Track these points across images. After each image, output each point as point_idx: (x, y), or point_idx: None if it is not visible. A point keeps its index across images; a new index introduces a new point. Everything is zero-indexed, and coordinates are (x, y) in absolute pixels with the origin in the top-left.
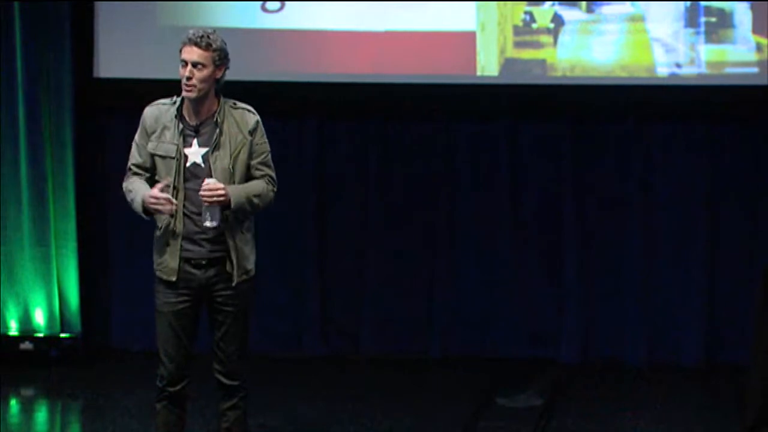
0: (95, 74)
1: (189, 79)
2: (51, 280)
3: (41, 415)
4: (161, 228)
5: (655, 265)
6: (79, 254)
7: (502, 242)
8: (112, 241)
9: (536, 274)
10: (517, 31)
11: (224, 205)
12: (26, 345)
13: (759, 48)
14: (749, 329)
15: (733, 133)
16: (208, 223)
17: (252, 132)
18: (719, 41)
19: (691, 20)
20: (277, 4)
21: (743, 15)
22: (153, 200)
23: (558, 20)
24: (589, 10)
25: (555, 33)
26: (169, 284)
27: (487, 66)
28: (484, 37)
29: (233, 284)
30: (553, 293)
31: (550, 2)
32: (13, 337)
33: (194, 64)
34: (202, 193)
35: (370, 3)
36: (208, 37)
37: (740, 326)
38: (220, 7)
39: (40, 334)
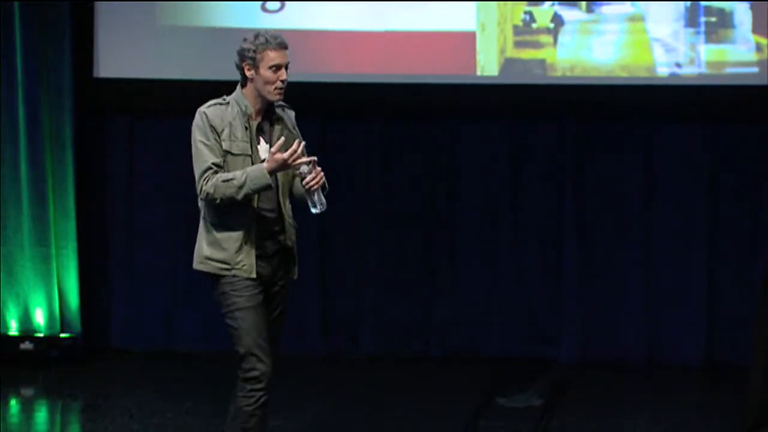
0: (95, 74)
1: (283, 82)
2: (51, 280)
3: (41, 415)
4: (236, 227)
5: (655, 264)
6: (79, 254)
7: (502, 242)
8: (112, 241)
9: (536, 273)
10: (517, 31)
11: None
12: (26, 345)
13: (759, 48)
14: (749, 329)
15: (733, 133)
16: (318, 209)
17: (295, 126)
18: (719, 41)
19: (691, 20)
20: (277, 4)
21: (743, 15)
22: (284, 156)
23: (558, 20)
24: (589, 10)
25: (555, 33)
26: (247, 281)
27: (487, 66)
28: (484, 37)
29: (295, 277)
30: (554, 293)
31: (550, 2)
32: (13, 337)
33: (286, 67)
34: (313, 177)
35: (370, 3)
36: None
37: (740, 326)
38: (220, 7)
39: (40, 334)
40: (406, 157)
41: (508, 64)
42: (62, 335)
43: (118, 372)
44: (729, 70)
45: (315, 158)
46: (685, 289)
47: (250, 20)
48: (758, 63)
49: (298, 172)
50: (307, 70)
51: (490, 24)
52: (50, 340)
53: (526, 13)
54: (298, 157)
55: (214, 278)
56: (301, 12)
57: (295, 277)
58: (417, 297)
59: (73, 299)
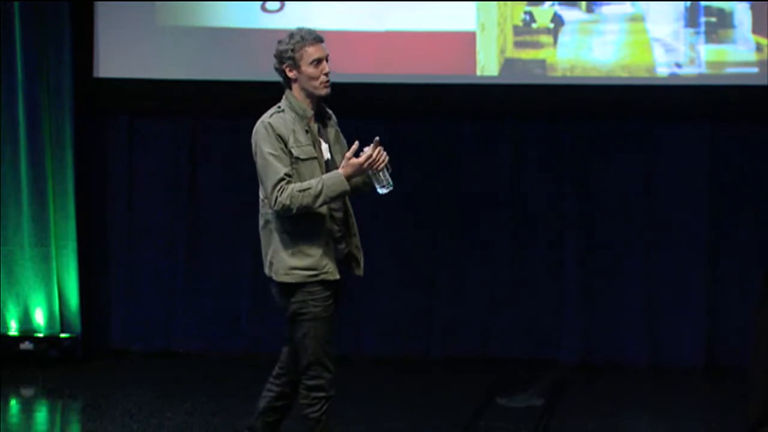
0: (95, 74)
1: (327, 74)
2: (51, 280)
3: (41, 415)
4: (317, 232)
5: (656, 265)
6: (79, 254)
7: (503, 242)
8: (112, 241)
9: (537, 274)
10: (517, 31)
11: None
12: (26, 345)
13: (759, 48)
14: (749, 329)
15: (733, 133)
16: (386, 188)
17: (336, 122)
18: (719, 41)
19: (691, 20)
20: (277, 4)
21: (743, 15)
22: (359, 160)
23: (558, 20)
24: (589, 10)
25: (555, 33)
26: (329, 287)
27: (487, 66)
28: (484, 37)
29: (362, 275)
30: (554, 293)
31: (550, 2)
32: (13, 337)
33: (327, 59)
34: (377, 157)
35: (370, 3)
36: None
37: (740, 326)
38: (220, 7)
39: (40, 334)
40: (406, 157)
41: (508, 64)
42: (62, 335)
43: (117, 372)
44: (729, 70)
45: (377, 138)
46: (686, 289)
47: (250, 20)
48: (758, 63)
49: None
50: None
51: (490, 24)
52: (50, 340)
53: (526, 13)
54: (374, 162)
55: (293, 287)
56: (301, 12)
57: (361, 274)
58: (418, 298)
59: (73, 299)
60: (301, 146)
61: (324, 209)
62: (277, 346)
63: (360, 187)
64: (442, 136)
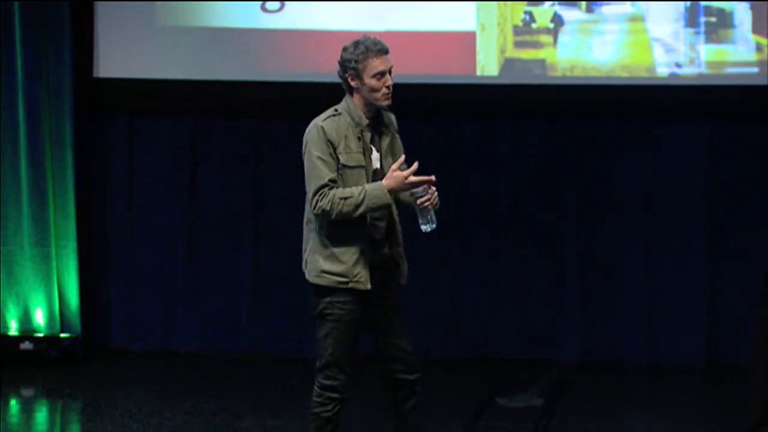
0: (95, 74)
1: (389, 87)
2: (51, 280)
3: (41, 415)
4: (353, 240)
5: (656, 264)
6: (79, 254)
7: (503, 242)
8: (112, 241)
9: (537, 274)
10: (517, 31)
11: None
12: (26, 345)
13: (759, 48)
14: (749, 329)
15: (733, 133)
16: (429, 227)
17: (396, 129)
18: (719, 41)
19: (691, 20)
20: (277, 4)
21: (743, 15)
22: (404, 173)
23: (558, 20)
24: (589, 10)
25: (555, 33)
26: (357, 294)
27: (487, 66)
28: (484, 37)
29: (404, 281)
30: (554, 293)
31: (550, 2)
32: (13, 337)
33: (390, 71)
34: (427, 198)
35: (370, 3)
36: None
37: (740, 326)
38: (220, 7)
39: (40, 334)
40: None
41: (508, 64)
42: (62, 335)
43: (118, 372)
44: (729, 70)
45: (433, 178)
46: (685, 289)
47: (250, 20)
48: (758, 63)
49: (411, 192)
50: (306, 69)
51: (490, 24)
52: (50, 340)
53: (526, 13)
54: (426, 200)
55: (324, 288)
56: (301, 12)
57: (404, 282)
58: (418, 298)
59: (73, 299)
60: (350, 153)
61: (367, 218)
62: (277, 346)
63: (409, 203)
64: (442, 136)
